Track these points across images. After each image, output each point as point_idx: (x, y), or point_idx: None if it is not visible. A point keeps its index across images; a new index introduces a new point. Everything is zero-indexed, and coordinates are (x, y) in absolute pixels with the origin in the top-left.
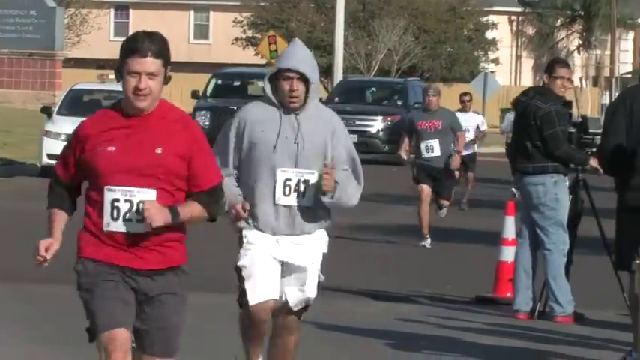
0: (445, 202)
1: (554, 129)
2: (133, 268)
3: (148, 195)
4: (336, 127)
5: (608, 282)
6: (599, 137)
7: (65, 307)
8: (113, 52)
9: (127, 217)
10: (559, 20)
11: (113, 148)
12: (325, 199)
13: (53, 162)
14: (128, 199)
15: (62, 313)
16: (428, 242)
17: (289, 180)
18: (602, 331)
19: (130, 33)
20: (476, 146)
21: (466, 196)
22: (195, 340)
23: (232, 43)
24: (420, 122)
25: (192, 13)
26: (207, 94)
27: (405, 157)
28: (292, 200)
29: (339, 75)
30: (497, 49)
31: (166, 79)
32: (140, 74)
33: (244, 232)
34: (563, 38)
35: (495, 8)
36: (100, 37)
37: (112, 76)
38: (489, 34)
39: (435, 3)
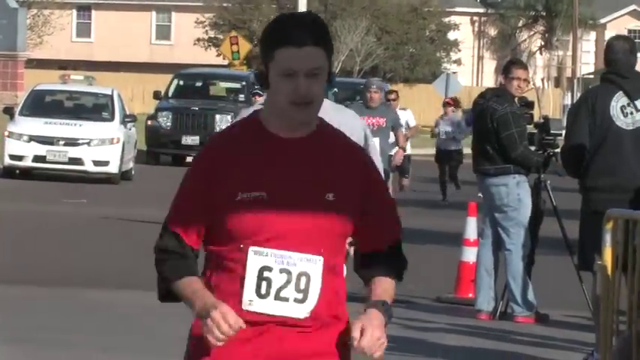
0: None
1: (509, 131)
2: None
3: (314, 265)
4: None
5: (569, 282)
6: (560, 138)
7: (25, 308)
8: (75, 53)
9: (281, 294)
10: (521, 21)
11: (263, 194)
12: None
13: (15, 162)
14: (285, 269)
15: (22, 313)
16: None
17: None
18: (563, 331)
19: (92, 34)
20: (409, 145)
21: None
22: (153, 342)
23: (194, 44)
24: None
25: (154, 13)
26: (169, 94)
27: None
28: None
29: None
30: (459, 50)
31: (331, 79)
32: (297, 73)
33: None
34: (525, 39)
35: (457, 9)
36: (63, 38)
37: (74, 76)
38: (451, 35)
39: (396, 4)
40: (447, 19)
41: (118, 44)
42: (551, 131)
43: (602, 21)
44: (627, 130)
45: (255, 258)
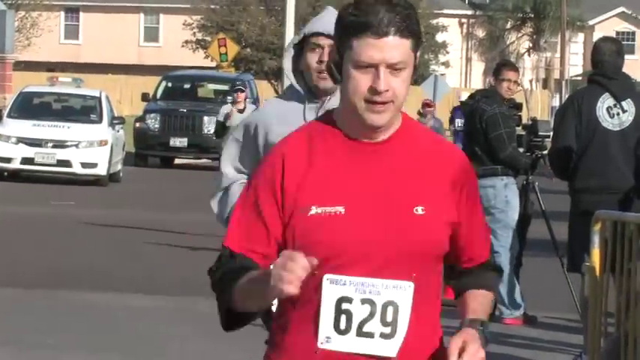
0: None
1: (498, 131)
2: None
3: (403, 292)
4: None
5: (557, 284)
6: (548, 140)
7: (12, 310)
8: (63, 55)
9: (364, 328)
10: (509, 23)
11: (341, 210)
12: None
13: (3, 165)
14: (367, 299)
15: (9, 315)
16: None
17: None
18: (551, 333)
19: (80, 36)
20: None
21: None
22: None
23: (182, 46)
24: None
25: (142, 15)
26: (158, 96)
27: None
28: None
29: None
30: (448, 52)
31: (416, 73)
32: (377, 67)
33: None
34: (513, 41)
35: (445, 11)
36: (51, 40)
37: (62, 78)
38: (439, 37)
39: None
40: (435, 21)
41: (106, 46)
42: (540, 133)
43: (591, 23)
44: (614, 131)
45: (332, 288)
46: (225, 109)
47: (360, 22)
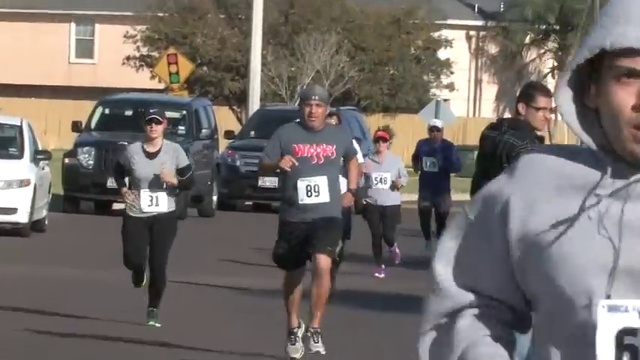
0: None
1: None
2: None
3: None
4: None
5: None
6: None
7: None
8: None
9: None
10: (529, 36)
11: None
12: None
13: None
14: None
15: None
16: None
17: None
18: None
19: None
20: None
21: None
22: None
23: (123, 64)
24: (297, 145)
25: (73, 25)
26: (92, 126)
27: None
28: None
29: (255, 103)
30: (452, 72)
31: None
32: None
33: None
34: (534, 58)
35: (450, 21)
36: None
37: None
38: (442, 54)
39: (374, 14)
40: (437, 34)
41: (27, 63)
42: None
43: None
44: None
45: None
46: (133, 149)
47: None
